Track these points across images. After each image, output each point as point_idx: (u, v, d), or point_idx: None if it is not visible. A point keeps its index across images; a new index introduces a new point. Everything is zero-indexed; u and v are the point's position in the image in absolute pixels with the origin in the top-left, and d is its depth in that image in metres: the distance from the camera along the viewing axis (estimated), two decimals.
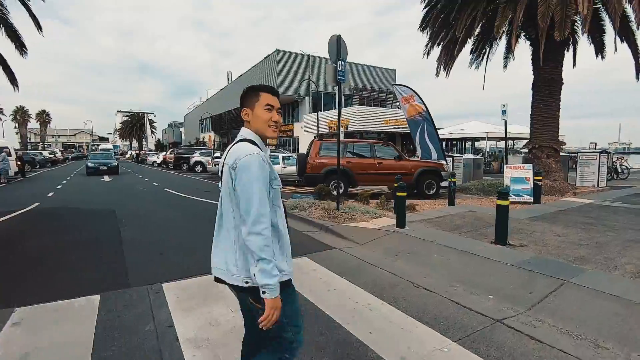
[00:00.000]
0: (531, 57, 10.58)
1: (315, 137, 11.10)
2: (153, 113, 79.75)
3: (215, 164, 19.05)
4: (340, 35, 6.84)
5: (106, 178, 17.70)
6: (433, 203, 8.85)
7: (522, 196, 8.40)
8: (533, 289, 3.55)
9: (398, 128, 24.60)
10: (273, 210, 1.47)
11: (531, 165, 8.54)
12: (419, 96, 7.91)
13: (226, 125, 43.42)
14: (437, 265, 4.29)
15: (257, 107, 1.57)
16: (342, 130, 20.64)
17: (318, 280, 3.89)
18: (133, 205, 9.04)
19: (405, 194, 6.07)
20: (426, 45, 11.59)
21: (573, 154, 13.83)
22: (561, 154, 12.95)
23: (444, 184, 13.17)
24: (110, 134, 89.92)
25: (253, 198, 1.37)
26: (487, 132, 20.41)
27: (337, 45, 6.81)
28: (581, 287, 3.51)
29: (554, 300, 3.29)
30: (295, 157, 11.56)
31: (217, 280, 1.59)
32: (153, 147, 57.14)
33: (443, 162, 11.98)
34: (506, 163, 11.00)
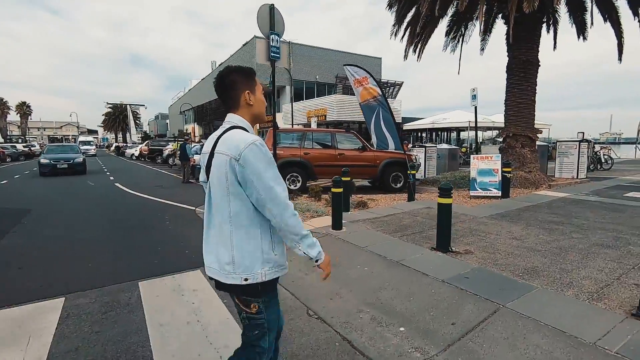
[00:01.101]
0: (505, 36, 9.68)
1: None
2: (144, 105, 77.43)
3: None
4: (273, 5, 5.87)
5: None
6: (392, 198, 8.00)
7: (489, 190, 7.58)
8: (458, 317, 2.71)
9: None
10: None
11: (499, 155, 7.71)
12: (373, 78, 7.00)
13: (208, 117, 42.14)
14: (354, 281, 3.43)
15: (257, 91, 1.51)
16: (315, 120, 19.71)
17: (187, 304, 3.01)
18: (58, 205, 8.07)
19: (340, 189, 5.19)
20: (393, 25, 10.62)
21: (553, 144, 13.03)
22: (541, 143, 12.16)
23: (419, 175, 12.43)
24: (101, 126, 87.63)
25: (273, 185, 1.32)
26: (469, 122, 19.57)
27: (270, 17, 5.85)
28: (520, 315, 2.67)
29: (479, 337, 2.45)
30: None
31: (218, 286, 1.44)
32: (138, 139, 55.55)
33: (411, 153, 11.13)
34: (478, 153, 10.19)
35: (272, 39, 5.83)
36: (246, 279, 1.36)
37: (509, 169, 7.59)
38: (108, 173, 16.14)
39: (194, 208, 7.33)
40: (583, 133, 27.79)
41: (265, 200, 1.31)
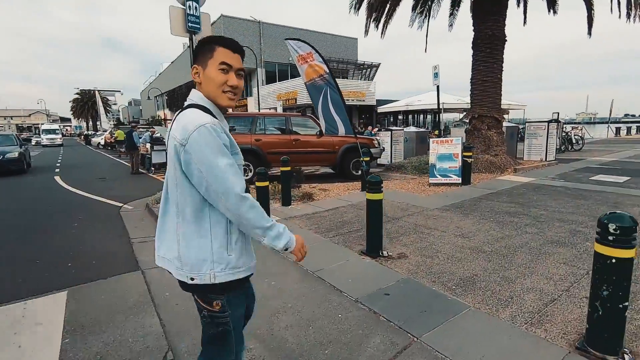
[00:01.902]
0: (471, 9, 8.97)
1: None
2: (119, 91, 73.79)
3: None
4: None
5: None
6: (347, 187, 7.34)
7: (450, 176, 6.99)
8: (357, 357, 2.05)
9: (352, 100, 22.86)
10: None
11: (459, 139, 7.10)
12: (319, 54, 6.21)
13: (179, 102, 40.38)
14: None
15: (210, 66, 1.21)
16: (280, 104, 18.75)
17: (10, 347, 2.26)
18: None
19: (267, 183, 4.46)
20: None
21: (524, 125, 12.58)
22: (510, 124, 11.68)
23: (385, 160, 11.80)
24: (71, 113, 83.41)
25: (226, 175, 1.13)
26: (443, 103, 18.98)
27: None
28: (434, 354, 2.04)
29: None
30: None
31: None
32: (110, 126, 53.00)
33: (373, 137, 10.49)
34: (441, 136, 9.61)
35: (189, 6, 4.93)
36: (192, 279, 1.21)
37: (470, 153, 7.00)
38: (58, 165, 14.90)
39: (121, 205, 6.48)
40: (558, 113, 27.69)
41: (216, 192, 1.14)
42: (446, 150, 7.08)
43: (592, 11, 9.11)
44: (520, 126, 12.79)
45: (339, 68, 31.97)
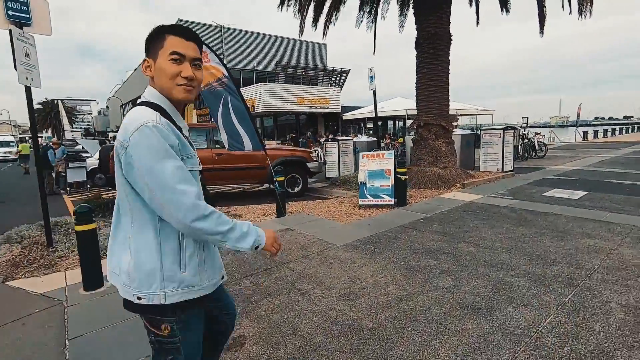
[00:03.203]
0: (412, 4, 8.07)
1: None
2: (95, 100, 70.51)
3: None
4: None
5: None
6: (263, 210, 6.23)
7: (381, 197, 5.94)
8: None
9: (316, 108, 21.89)
10: None
11: (392, 152, 6.08)
12: (215, 54, 5.08)
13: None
14: None
15: (160, 57, 1.09)
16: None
17: None
18: None
19: (92, 226, 3.22)
20: None
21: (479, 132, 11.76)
22: (466, 132, 10.84)
23: (333, 174, 10.73)
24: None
25: (169, 183, 0.98)
26: (406, 109, 18.22)
27: None
28: None
29: None
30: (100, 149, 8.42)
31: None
32: (75, 137, 50.34)
33: (311, 150, 9.44)
34: (385, 148, 8.65)
35: None
36: (139, 298, 1.06)
37: (404, 170, 5.97)
38: None
39: None
40: (527, 118, 27.50)
41: (161, 201, 0.99)
42: (377, 166, 6.04)
43: (544, 8, 8.36)
44: (480, 133, 11.94)
45: (308, 74, 31.10)
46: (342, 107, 23.53)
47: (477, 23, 10.23)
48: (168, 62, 1.08)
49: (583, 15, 7.67)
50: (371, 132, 23.46)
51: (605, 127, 34.55)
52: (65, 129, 51.32)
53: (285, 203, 5.86)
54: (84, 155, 11.74)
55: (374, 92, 7.02)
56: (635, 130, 39.28)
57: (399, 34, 11.61)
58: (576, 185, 7.21)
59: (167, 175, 0.98)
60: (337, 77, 32.45)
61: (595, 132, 29.01)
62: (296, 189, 8.35)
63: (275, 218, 5.68)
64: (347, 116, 22.12)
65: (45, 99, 57.57)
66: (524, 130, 14.87)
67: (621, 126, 39.16)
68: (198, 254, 1.12)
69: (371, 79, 7.18)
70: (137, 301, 1.07)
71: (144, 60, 1.12)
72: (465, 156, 10.08)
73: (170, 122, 1.07)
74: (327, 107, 22.51)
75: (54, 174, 10.34)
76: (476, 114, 23.15)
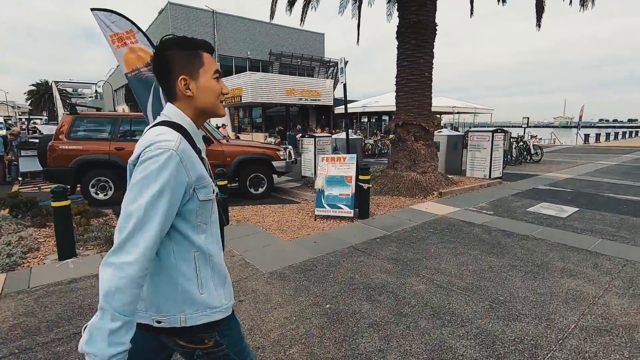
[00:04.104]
0: None
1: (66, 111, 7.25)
2: (95, 83, 69.11)
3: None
4: None
5: None
6: None
7: (340, 207, 5.16)
8: None
9: (306, 100, 20.99)
10: (199, 232, 1.04)
11: (354, 156, 5.29)
12: (144, 34, 4.26)
13: (134, 97, 37.72)
14: None
15: (203, 75, 1.07)
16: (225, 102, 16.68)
17: None
18: None
19: (66, 202, 2.46)
20: None
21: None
22: (453, 133, 10.02)
23: (309, 173, 9.94)
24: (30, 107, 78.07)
25: (137, 214, 0.90)
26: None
27: None
28: None
29: None
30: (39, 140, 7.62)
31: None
32: None
33: (279, 147, 8.68)
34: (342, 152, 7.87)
35: None
36: (159, 322, 1.04)
37: (367, 177, 5.17)
38: None
39: None
40: (528, 118, 26.51)
41: (119, 223, 0.92)
42: (337, 172, 5.26)
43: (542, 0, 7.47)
44: (468, 134, 11.10)
45: (303, 65, 30.08)
46: (334, 99, 22.59)
47: (472, 14, 9.35)
48: (212, 80, 1.08)
49: (585, 6, 6.79)
50: (359, 128, 22.52)
51: (608, 131, 33.52)
52: (59, 113, 50.61)
53: (228, 211, 5.09)
54: None
55: (345, 85, 6.25)
56: None
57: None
58: (567, 199, 6.43)
59: (141, 205, 0.90)
60: (334, 69, 31.42)
61: (597, 136, 28.07)
62: (260, 190, 7.58)
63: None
64: (338, 110, 21.22)
65: (40, 80, 56.72)
66: (523, 132, 14.05)
67: (625, 130, 38.20)
68: (216, 276, 1.09)
69: (341, 70, 6.39)
70: (156, 325, 1.03)
71: (181, 78, 1.04)
72: (451, 159, 9.28)
73: (191, 146, 1.02)
74: (319, 100, 21.59)
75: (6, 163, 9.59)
76: (474, 112, 22.25)
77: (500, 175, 8.65)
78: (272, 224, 5.06)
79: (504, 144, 8.84)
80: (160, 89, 0.98)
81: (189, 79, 1.04)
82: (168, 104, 1.08)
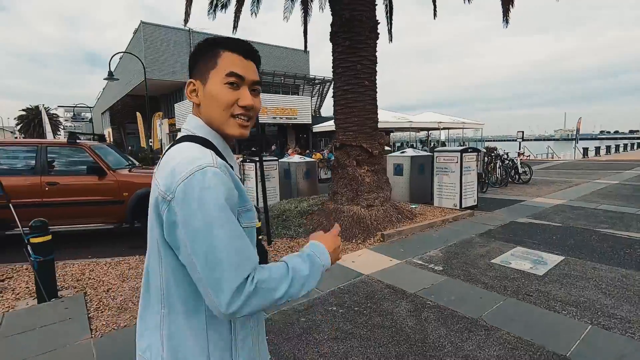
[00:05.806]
0: None
1: None
2: (89, 107, 68.69)
3: None
4: None
5: None
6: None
7: None
8: None
9: (281, 119, 19.71)
10: None
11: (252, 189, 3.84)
12: None
13: (117, 119, 36.99)
14: None
15: (212, 79, 0.83)
16: (163, 122, 15.40)
17: None
18: None
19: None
20: None
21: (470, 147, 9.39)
22: (420, 153, 8.53)
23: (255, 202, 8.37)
24: (20, 131, 77.54)
25: (220, 255, 0.70)
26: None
27: None
28: None
29: None
30: None
31: None
32: None
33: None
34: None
35: None
36: None
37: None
38: None
39: None
40: (523, 132, 25.09)
41: (203, 276, 0.71)
42: None
43: None
44: (434, 155, 9.63)
45: (287, 83, 29.05)
46: (313, 117, 21.32)
47: (435, 16, 8.06)
48: (223, 86, 0.82)
49: None
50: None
51: (609, 143, 31.99)
52: (47, 137, 49.91)
53: (55, 278, 3.57)
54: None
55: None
56: None
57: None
58: (551, 240, 4.87)
59: (217, 245, 0.70)
60: (320, 87, 30.40)
61: (597, 149, 26.53)
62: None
63: (30, 305, 3.40)
64: (317, 128, 19.89)
65: (30, 106, 56.16)
66: (518, 146, 12.58)
67: (626, 141, 36.68)
68: (251, 335, 0.86)
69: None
70: None
71: (190, 82, 0.86)
72: (418, 185, 7.77)
73: (227, 165, 0.79)
74: (295, 118, 20.29)
75: None
76: (462, 127, 20.87)
77: (475, 203, 7.12)
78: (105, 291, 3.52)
79: (477, 166, 7.34)
80: None
81: (197, 83, 0.85)
82: (189, 115, 0.89)
